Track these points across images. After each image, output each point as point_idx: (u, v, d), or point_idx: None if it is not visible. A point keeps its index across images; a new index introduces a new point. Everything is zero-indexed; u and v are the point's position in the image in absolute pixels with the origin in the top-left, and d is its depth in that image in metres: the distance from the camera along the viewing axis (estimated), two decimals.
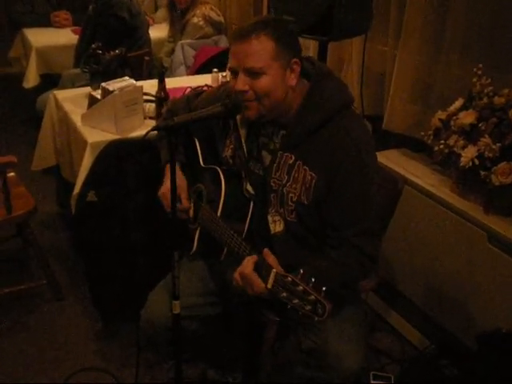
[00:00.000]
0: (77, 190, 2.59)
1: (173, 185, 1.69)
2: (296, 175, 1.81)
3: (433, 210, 2.46)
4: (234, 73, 1.77)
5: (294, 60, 1.76)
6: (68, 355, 2.64)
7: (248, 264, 1.68)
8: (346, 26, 2.46)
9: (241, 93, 1.75)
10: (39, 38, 4.55)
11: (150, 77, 3.69)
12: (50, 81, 4.38)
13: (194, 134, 2.10)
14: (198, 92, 2.24)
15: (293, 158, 1.82)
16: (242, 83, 1.74)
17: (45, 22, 4.78)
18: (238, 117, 1.91)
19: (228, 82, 2.15)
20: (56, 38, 4.60)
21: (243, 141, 1.93)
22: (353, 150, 1.76)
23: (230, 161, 1.99)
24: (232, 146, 1.98)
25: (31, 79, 4.40)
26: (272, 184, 1.85)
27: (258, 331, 2.14)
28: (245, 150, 1.93)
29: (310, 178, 1.79)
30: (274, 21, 1.77)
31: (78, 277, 3.10)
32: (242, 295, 1.75)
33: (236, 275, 1.71)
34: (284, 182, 1.83)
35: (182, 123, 1.70)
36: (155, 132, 1.88)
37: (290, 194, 1.82)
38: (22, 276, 3.10)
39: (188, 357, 2.30)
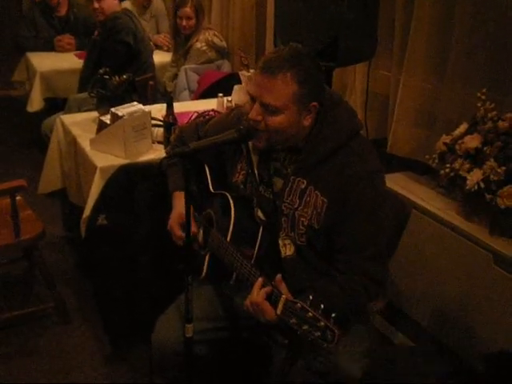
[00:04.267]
0: (86, 213, 2.62)
1: (187, 211, 1.71)
2: (308, 199, 1.84)
3: (439, 233, 2.48)
4: (253, 99, 1.80)
5: (313, 104, 1.78)
6: (77, 379, 2.63)
7: (261, 293, 1.69)
8: (351, 52, 2.51)
9: (253, 121, 1.79)
10: (43, 62, 4.59)
11: (154, 101, 3.73)
12: (54, 104, 4.43)
13: (203, 160, 2.11)
14: (207, 119, 2.27)
15: (305, 182, 1.85)
16: (256, 113, 1.77)
17: (49, 47, 4.82)
18: (251, 143, 1.94)
19: (238, 107, 2.19)
20: (60, 62, 4.63)
21: (255, 166, 1.96)
22: (364, 176, 1.79)
23: (241, 186, 2.01)
24: (243, 172, 2.00)
25: (35, 103, 4.45)
26: (283, 208, 1.88)
27: (267, 354, 2.15)
28: (257, 175, 1.96)
29: (321, 202, 1.82)
30: (304, 59, 1.77)
31: (86, 300, 3.10)
32: (251, 319, 1.77)
33: (247, 303, 1.72)
34: (296, 205, 1.86)
35: (197, 149, 1.73)
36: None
37: (302, 218, 1.85)
38: (30, 299, 3.09)
39: (197, 381, 2.30)
